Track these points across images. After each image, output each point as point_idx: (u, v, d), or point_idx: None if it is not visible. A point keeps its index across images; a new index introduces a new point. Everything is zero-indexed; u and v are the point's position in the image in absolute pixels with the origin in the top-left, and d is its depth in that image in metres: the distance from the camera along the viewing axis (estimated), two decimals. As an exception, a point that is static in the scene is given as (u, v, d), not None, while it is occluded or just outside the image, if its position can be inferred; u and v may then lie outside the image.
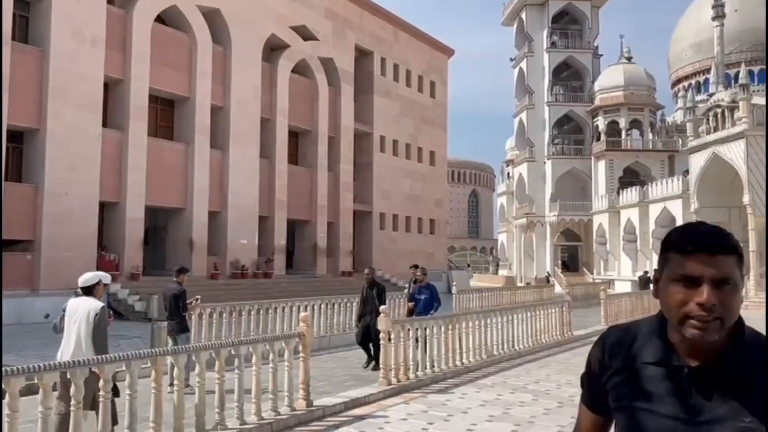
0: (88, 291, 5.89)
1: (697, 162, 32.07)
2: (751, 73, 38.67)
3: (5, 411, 4.41)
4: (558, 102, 50.97)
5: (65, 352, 5.76)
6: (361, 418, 7.28)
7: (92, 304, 5.77)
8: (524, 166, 52.27)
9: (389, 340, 8.83)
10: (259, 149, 27.78)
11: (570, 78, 52.48)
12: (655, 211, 36.93)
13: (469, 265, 53.26)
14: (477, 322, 11.06)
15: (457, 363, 10.32)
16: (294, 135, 31.05)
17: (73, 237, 20.20)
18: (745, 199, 28.12)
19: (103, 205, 22.08)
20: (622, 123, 47.11)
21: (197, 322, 10.80)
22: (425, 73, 40.56)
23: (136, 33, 22.85)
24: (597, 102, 48.44)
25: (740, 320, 1.31)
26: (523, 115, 52.35)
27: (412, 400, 8.28)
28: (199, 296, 10.01)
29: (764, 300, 26.67)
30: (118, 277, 20.15)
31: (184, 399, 5.99)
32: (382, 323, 8.78)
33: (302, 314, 7.74)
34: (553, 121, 50.61)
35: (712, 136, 30.63)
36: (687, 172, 34.33)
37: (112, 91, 22.73)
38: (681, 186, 34.58)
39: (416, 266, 13.74)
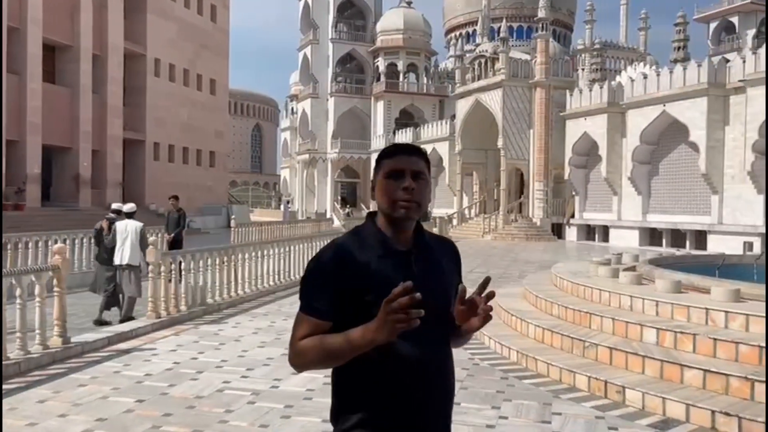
0: (131, 215, 8.91)
1: (462, 107, 35.01)
2: (510, 28, 42.81)
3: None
4: (342, 40, 51.52)
5: (123, 256, 8.63)
6: (127, 351, 6.96)
7: (137, 224, 8.76)
8: (308, 102, 52.47)
9: (159, 273, 8.49)
10: (5, 63, 24.00)
11: (354, 17, 53.18)
12: (425, 151, 39.71)
13: (288, 202, 52.03)
14: (253, 254, 11.09)
15: (232, 294, 10.30)
16: (50, 50, 27.33)
17: None
18: (500, 143, 31.52)
19: None
20: (400, 66, 49.33)
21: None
22: (206, -6, 38.13)
23: None
24: (378, 43, 49.95)
25: (419, 223, 1.75)
26: (308, 50, 52.13)
27: (183, 331, 8.12)
28: None
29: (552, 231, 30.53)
30: None
31: None
32: (150, 255, 8.37)
33: (56, 246, 7.04)
34: (336, 58, 51.16)
35: (476, 84, 33.57)
36: (454, 116, 37.38)
37: None
38: (448, 129, 37.54)
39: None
